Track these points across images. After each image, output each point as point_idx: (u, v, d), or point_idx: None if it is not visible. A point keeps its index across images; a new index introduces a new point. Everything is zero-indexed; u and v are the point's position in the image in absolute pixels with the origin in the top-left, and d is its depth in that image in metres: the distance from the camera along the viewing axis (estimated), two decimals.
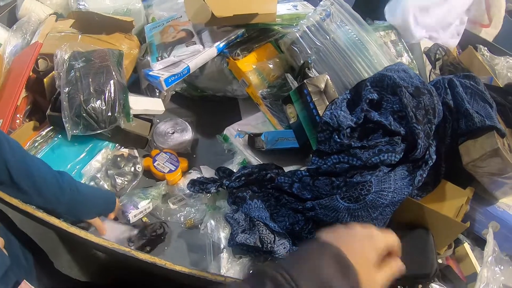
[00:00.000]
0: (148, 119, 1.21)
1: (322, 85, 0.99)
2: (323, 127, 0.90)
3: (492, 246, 0.98)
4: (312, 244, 0.54)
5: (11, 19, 1.42)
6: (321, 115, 0.95)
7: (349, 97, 0.96)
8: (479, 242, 1.10)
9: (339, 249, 0.51)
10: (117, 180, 1.08)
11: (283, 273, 0.47)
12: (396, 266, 0.56)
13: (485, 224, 1.09)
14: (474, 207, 1.09)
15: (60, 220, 0.88)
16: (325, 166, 0.90)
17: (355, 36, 1.09)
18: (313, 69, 1.09)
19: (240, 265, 0.91)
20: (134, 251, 0.84)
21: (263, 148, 1.04)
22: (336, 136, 0.88)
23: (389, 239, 0.57)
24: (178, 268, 0.82)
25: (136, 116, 1.16)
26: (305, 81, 0.96)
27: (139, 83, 1.33)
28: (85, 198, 0.93)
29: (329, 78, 1.01)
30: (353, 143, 0.87)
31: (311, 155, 0.95)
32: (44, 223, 0.89)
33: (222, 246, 0.94)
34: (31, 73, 1.15)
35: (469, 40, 1.71)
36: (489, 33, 1.91)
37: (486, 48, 1.68)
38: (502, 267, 0.99)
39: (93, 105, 1.03)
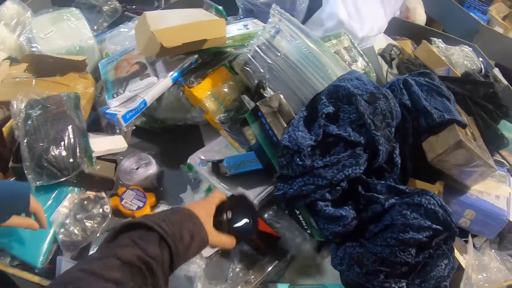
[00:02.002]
0: (112, 159, 1.19)
1: (276, 105, 0.99)
2: (283, 151, 0.91)
3: (472, 254, 1.03)
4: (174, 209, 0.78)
5: None
6: (277, 135, 0.95)
7: (305, 114, 0.97)
8: (460, 234, 1.10)
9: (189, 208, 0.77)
10: (86, 224, 1.06)
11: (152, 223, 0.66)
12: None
13: (460, 213, 1.12)
14: (447, 199, 1.11)
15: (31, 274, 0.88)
16: (291, 190, 0.90)
17: (305, 49, 1.10)
18: (268, 88, 1.09)
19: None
20: None
21: (227, 173, 1.03)
22: (298, 159, 0.89)
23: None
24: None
25: (99, 158, 1.15)
26: (257, 103, 0.97)
27: (99, 121, 1.32)
28: None
29: (282, 97, 1.01)
30: (315, 164, 0.88)
31: (276, 179, 0.95)
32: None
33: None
34: None
35: (421, 34, 1.75)
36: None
37: (440, 39, 1.71)
38: (484, 275, 1.03)
39: (53, 154, 1.01)
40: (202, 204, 0.81)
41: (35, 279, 0.86)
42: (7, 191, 0.89)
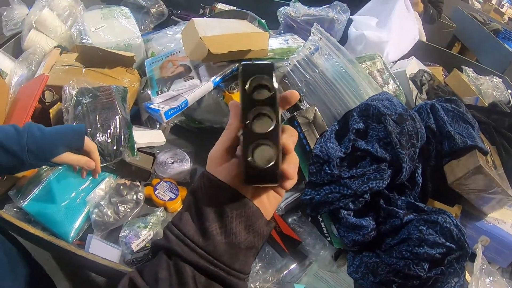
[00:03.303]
0: (150, 153, 1.25)
1: (311, 117, 1.05)
2: (314, 159, 0.96)
3: (480, 260, 1.00)
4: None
5: (16, 50, 1.48)
6: (310, 145, 1.01)
7: (337, 128, 1.03)
8: (471, 257, 1.09)
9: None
10: (119, 208, 1.11)
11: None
12: None
13: (475, 239, 1.13)
14: (463, 223, 1.12)
15: (67, 243, 0.90)
16: (318, 196, 0.95)
17: (342, 68, 1.16)
18: (304, 101, 1.15)
19: None
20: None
21: None
22: (327, 168, 0.94)
23: None
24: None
25: (139, 149, 1.21)
26: (295, 113, 1.03)
27: (139, 115, 1.39)
28: (45, 132, 0.87)
29: (317, 110, 1.07)
30: (343, 174, 0.93)
31: (304, 185, 1.00)
32: (48, 247, 0.92)
33: None
34: (37, 104, 1.18)
35: (453, 62, 1.78)
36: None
37: (471, 69, 1.74)
38: (491, 278, 1.01)
39: (99, 139, 1.07)
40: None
41: (71, 247, 0.89)
42: (64, 127, 0.94)
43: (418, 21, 2.07)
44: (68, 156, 0.90)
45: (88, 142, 0.94)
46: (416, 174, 1.03)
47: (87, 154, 0.95)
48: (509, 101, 1.65)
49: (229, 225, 0.50)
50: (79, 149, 0.93)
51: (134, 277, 0.51)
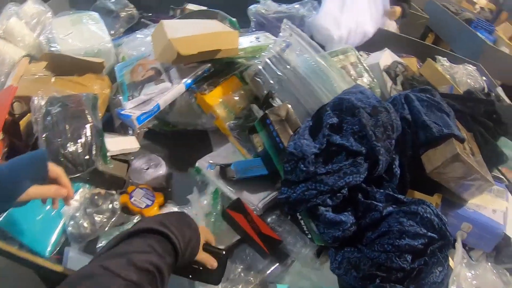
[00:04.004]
0: (124, 160, 1.23)
1: (284, 114, 1.03)
2: (288, 157, 0.95)
3: (460, 254, 1.03)
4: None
5: None
6: (284, 142, 0.99)
7: (311, 123, 1.01)
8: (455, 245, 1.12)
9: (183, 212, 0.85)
10: (95, 218, 1.09)
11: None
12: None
13: (457, 226, 1.13)
14: (445, 212, 1.12)
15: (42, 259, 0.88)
16: (294, 195, 0.94)
17: (313, 63, 1.15)
18: (276, 99, 1.14)
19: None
20: None
21: (234, 177, 1.07)
22: (302, 165, 0.93)
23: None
24: None
25: (112, 157, 1.19)
26: (266, 111, 1.01)
27: (112, 121, 1.36)
28: (2, 170, 0.77)
29: (290, 107, 1.05)
30: (318, 170, 0.92)
31: (280, 183, 0.99)
32: (25, 264, 0.90)
33: None
34: (7, 116, 1.15)
35: (427, 52, 1.78)
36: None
37: (445, 58, 1.75)
38: (473, 272, 1.03)
39: (70, 150, 1.05)
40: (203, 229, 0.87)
41: (47, 263, 0.88)
42: (23, 158, 0.81)
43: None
44: (34, 191, 0.80)
45: (53, 168, 0.84)
46: (394, 166, 1.02)
47: (54, 181, 0.85)
48: (484, 88, 1.67)
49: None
50: (45, 179, 0.83)
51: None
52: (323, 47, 1.55)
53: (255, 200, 1.06)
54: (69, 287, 0.60)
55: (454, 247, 1.09)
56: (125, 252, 0.65)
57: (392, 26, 2.14)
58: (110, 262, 0.62)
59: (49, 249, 1.02)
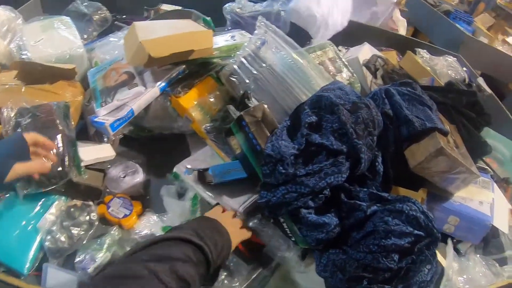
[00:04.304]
0: (100, 169, 1.19)
1: (260, 114, 1.00)
2: (266, 159, 0.92)
3: (451, 258, 1.03)
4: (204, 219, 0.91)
5: None
6: (261, 144, 0.96)
7: (289, 123, 0.98)
8: (442, 238, 1.10)
9: (215, 219, 0.89)
10: (73, 231, 1.06)
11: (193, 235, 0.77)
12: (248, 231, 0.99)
13: (444, 220, 1.13)
14: (431, 206, 1.12)
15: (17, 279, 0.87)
16: (274, 198, 0.91)
17: (290, 60, 1.12)
18: (253, 99, 1.11)
19: None
20: None
21: (212, 182, 1.04)
22: (281, 167, 0.90)
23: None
24: None
25: (87, 167, 1.16)
26: (241, 113, 0.98)
27: (87, 129, 1.32)
28: None
29: (266, 107, 1.02)
30: (298, 172, 0.89)
31: (259, 187, 0.96)
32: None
33: None
34: None
35: (406, 45, 1.78)
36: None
37: (425, 50, 1.74)
38: (465, 277, 1.04)
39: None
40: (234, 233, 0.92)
41: (23, 284, 0.86)
42: (2, 142, 0.92)
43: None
44: (21, 167, 0.88)
45: (28, 137, 0.93)
46: (376, 163, 1.00)
47: (34, 150, 0.95)
48: (465, 79, 1.66)
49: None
50: (27, 155, 0.92)
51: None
52: (306, 35, 1.55)
53: (236, 204, 1.03)
54: (112, 285, 0.63)
55: (445, 242, 1.09)
56: (167, 257, 0.69)
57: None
58: (156, 265, 0.66)
59: (27, 265, 1.00)
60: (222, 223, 0.89)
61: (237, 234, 0.94)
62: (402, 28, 2.19)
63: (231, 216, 0.97)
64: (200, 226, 0.83)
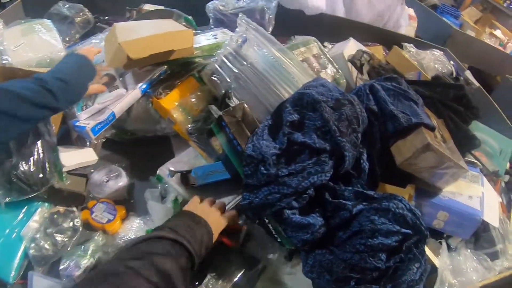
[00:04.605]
0: (82, 174, 1.18)
1: (240, 114, 0.99)
2: (247, 160, 0.90)
3: (445, 259, 1.03)
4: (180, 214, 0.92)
5: None
6: (241, 144, 0.95)
7: (270, 122, 0.97)
8: (431, 233, 1.08)
9: (191, 212, 0.90)
10: (57, 238, 1.05)
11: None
12: (230, 213, 0.97)
13: (433, 215, 1.12)
14: (419, 202, 1.11)
15: None
16: (257, 200, 0.90)
17: (272, 58, 1.10)
18: (233, 98, 1.09)
19: None
20: None
21: (195, 184, 1.03)
22: (262, 168, 0.88)
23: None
24: None
25: (69, 172, 1.15)
26: (221, 113, 0.96)
27: (69, 134, 1.30)
28: (69, 81, 0.99)
29: (246, 106, 1.01)
30: (280, 172, 0.88)
31: (241, 188, 0.95)
32: None
33: None
34: None
35: (393, 40, 1.77)
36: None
37: (411, 45, 1.73)
38: (459, 279, 1.02)
39: (22, 169, 1.01)
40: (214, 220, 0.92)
41: None
42: (74, 65, 1.06)
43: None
44: (90, 88, 1.10)
45: (84, 52, 1.13)
46: (361, 161, 0.99)
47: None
48: (452, 72, 1.66)
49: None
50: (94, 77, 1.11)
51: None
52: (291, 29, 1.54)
53: None
54: (94, 283, 0.65)
55: (435, 238, 1.10)
56: (146, 254, 0.72)
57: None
58: (136, 263, 0.68)
59: (12, 274, 1.00)
60: (200, 213, 0.89)
61: (217, 222, 0.93)
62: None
63: (208, 205, 0.96)
64: (177, 222, 0.85)
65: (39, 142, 1.07)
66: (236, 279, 1.00)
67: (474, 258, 1.07)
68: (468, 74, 1.72)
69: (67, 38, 1.65)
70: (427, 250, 1.01)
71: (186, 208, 0.94)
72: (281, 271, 1.04)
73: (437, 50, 1.73)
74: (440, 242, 1.08)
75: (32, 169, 1.03)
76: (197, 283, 0.97)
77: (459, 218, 1.10)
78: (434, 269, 1.00)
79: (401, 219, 0.87)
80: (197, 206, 0.95)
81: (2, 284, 0.98)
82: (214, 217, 0.93)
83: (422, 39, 1.92)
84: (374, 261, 0.84)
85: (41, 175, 1.04)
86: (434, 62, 1.65)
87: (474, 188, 1.17)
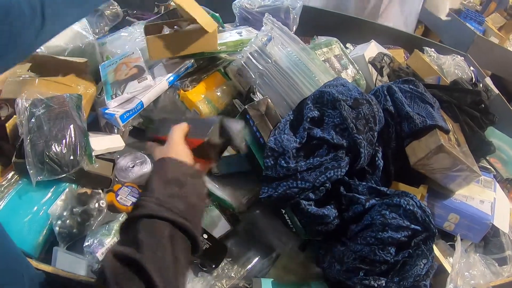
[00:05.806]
0: (110, 159, 1.22)
1: (263, 108, 1.03)
2: (269, 152, 0.94)
3: (459, 253, 1.01)
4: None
5: None
6: (264, 137, 0.99)
7: (292, 118, 1.01)
8: (442, 235, 1.14)
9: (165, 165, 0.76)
10: (83, 217, 1.09)
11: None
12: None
13: (444, 217, 1.13)
14: (431, 203, 1.12)
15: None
16: (276, 193, 0.93)
17: (295, 57, 1.14)
18: (258, 93, 1.13)
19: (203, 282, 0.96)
20: None
21: (218, 173, 1.07)
22: (282, 161, 0.92)
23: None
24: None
25: (97, 156, 1.18)
26: (246, 106, 1.00)
27: (98, 121, 1.35)
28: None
29: (270, 101, 1.05)
30: (299, 167, 0.91)
31: (260, 181, 0.98)
32: None
33: None
34: None
35: (414, 44, 1.78)
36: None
37: (432, 49, 1.74)
38: (471, 272, 1.04)
39: (55, 150, 1.05)
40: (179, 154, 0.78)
41: (33, 263, 0.87)
42: None
43: None
44: None
45: None
46: (377, 158, 1.02)
47: None
48: (472, 78, 1.66)
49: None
50: None
51: (115, 250, 0.61)
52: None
53: (240, 195, 1.06)
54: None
55: (444, 240, 1.10)
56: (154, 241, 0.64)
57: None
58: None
59: (38, 249, 1.02)
60: (174, 155, 0.77)
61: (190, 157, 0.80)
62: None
63: (181, 143, 0.82)
64: (158, 189, 0.70)
65: (71, 126, 1.10)
66: (250, 265, 1.04)
67: (483, 262, 1.08)
68: (488, 80, 1.72)
69: (97, 30, 1.70)
70: (437, 251, 1.03)
71: (161, 154, 0.80)
72: (294, 260, 1.06)
73: (458, 56, 1.73)
74: (451, 244, 1.10)
75: (64, 151, 1.06)
76: (214, 266, 1.01)
77: (469, 221, 1.11)
78: (443, 270, 1.01)
79: (411, 216, 0.90)
80: (170, 150, 0.80)
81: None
82: (187, 154, 0.80)
83: (444, 44, 1.92)
84: (383, 254, 0.88)
85: (72, 157, 1.07)
86: (455, 67, 1.66)
87: (487, 193, 1.17)
